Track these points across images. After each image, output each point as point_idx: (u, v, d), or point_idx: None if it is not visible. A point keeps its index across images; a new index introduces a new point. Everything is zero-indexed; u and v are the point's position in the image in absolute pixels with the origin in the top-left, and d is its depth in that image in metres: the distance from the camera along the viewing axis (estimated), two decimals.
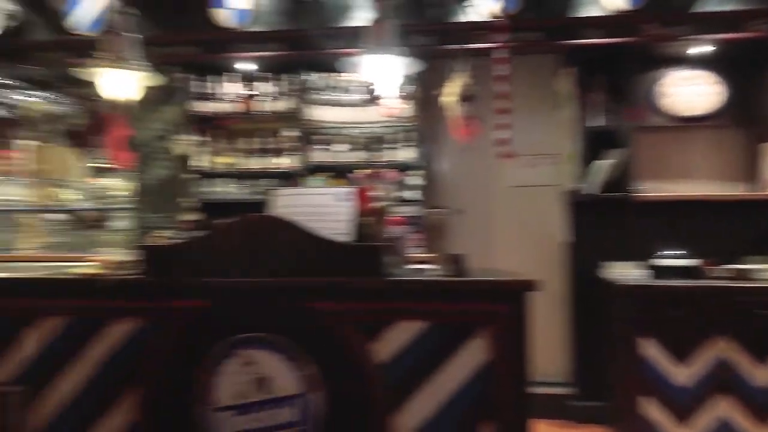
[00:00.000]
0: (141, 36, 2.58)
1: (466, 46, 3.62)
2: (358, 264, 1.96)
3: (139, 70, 2.45)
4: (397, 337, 1.93)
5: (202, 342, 1.99)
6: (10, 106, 4.44)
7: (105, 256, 2.17)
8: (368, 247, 2.02)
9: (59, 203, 3.90)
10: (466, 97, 3.56)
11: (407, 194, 4.08)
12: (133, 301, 2.08)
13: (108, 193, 3.99)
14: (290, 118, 4.19)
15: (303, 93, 4.17)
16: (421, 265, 2.41)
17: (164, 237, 2.20)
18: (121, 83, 2.43)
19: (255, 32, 3.77)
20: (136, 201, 3.79)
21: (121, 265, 2.13)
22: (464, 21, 3.59)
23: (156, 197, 3.78)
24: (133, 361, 2.06)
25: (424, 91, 3.97)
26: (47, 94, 4.53)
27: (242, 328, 1.98)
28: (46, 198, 3.90)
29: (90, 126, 5.53)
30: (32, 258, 3.57)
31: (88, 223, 4.59)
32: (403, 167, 4.12)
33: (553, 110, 4.03)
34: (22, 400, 2.05)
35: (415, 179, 4.09)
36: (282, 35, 3.80)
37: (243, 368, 1.96)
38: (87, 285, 2.08)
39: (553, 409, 3.51)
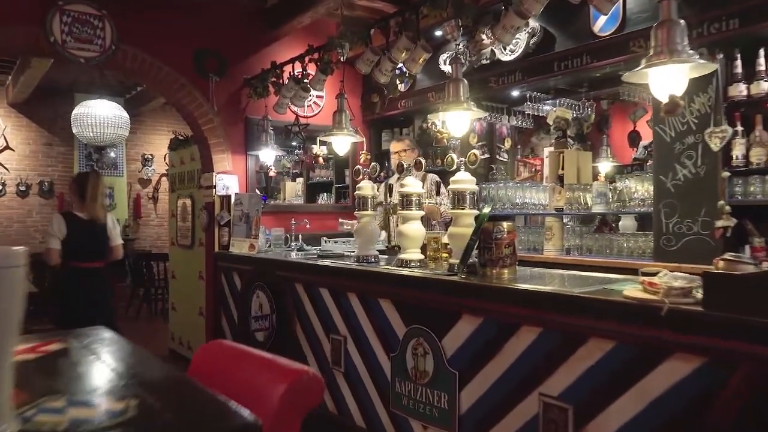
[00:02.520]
0: (683, 22, 2.21)
1: None
2: None
3: (686, 60, 2.10)
4: None
5: None
6: (536, 117, 4.83)
7: (655, 278, 1.92)
8: None
9: (577, 206, 3.96)
10: None
11: None
12: (689, 336, 1.77)
13: (625, 195, 3.80)
14: None
15: None
16: None
17: (732, 261, 1.79)
18: (669, 77, 2.14)
19: None
20: (658, 203, 3.46)
21: (673, 291, 1.85)
22: None
23: (681, 199, 3.36)
24: (692, 404, 1.75)
25: None
26: (563, 100, 4.71)
27: None
28: (565, 201, 4.01)
29: (600, 126, 5.54)
30: (557, 260, 3.72)
31: (603, 225, 4.56)
32: None
33: None
34: (574, 417, 2.03)
35: None
36: None
37: None
38: (637, 311, 1.89)
39: None
